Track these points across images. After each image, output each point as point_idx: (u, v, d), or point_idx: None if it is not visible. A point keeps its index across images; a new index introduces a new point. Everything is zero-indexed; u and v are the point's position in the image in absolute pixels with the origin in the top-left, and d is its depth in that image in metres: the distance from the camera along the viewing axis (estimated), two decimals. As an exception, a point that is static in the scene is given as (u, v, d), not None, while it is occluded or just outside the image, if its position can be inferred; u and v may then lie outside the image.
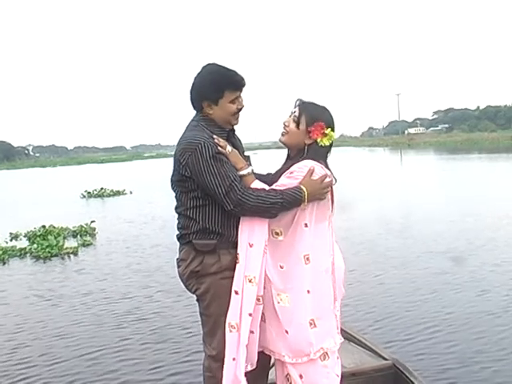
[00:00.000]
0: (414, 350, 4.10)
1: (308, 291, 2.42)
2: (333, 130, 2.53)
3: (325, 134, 2.50)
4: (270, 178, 2.58)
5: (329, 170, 2.52)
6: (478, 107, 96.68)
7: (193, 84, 2.50)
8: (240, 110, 2.51)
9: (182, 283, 2.61)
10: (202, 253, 2.49)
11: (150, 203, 15.85)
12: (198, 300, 2.58)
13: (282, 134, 2.56)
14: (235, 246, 2.47)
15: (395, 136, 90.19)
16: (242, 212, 2.39)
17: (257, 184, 2.45)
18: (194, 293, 2.57)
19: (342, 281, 2.64)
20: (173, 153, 2.53)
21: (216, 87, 2.43)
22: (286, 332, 2.43)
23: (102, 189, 20.00)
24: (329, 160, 2.57)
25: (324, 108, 2.58)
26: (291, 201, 2.37)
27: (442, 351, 4.06)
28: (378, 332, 4.52)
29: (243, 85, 2.50)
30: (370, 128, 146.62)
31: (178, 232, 2.59)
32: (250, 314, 2.40)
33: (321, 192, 2.43)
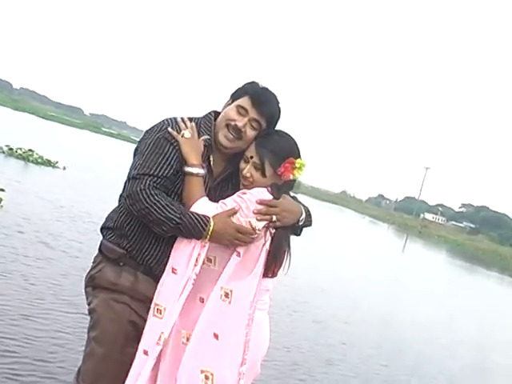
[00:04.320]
0: None
1: (216, 336, 2.44)
2: (300, 155, 2.66)
3: (297, 168, 2.61)
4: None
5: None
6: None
7: None
8: (235, 128, 2.62)
9: None
10: (106, 258, 2.63)
11: (82, 188, 15.57)
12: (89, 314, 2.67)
13: (245, 186, 2.63)
14: (147, 272, 2.59)
15: (407, 216, 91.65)
16: (131, 207, 2.50)
17: (203, 199, 2.54)
18: (88, 304, 2.67)
19: (261, 357, 2.66)
20: (137, 139, 2.67)
21: (243, 88, 2.72)
22: (175, 380, 2.43)
23: (30, 150, 19.31)
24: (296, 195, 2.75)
25: (282, 137, 2.68)
26: (189, 227, 2.46)
27: None
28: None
29: (257, 100, 2.65)
30: (380, 196, 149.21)
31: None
32: (146, 352, 2.43)
33: (230, 239, 2.49)
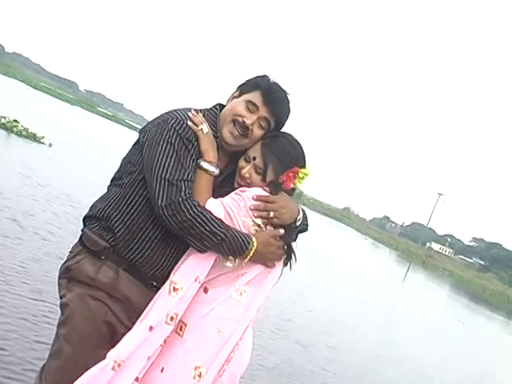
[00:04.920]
0: None
1: (219, 332, 2.48)
2: (305, 164, 2.69)
3: (299, 177, 2.65)
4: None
5: None
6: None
7: None
8: (243, 125, 2.59)
9: None
10: (86, 250, 2.57)
11: (65, 168, 15.46)
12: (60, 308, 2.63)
13: (240, 186, 2.64)
14: (130, 270, 2.55)
15: (412, 243, 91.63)
16: (170, 219, 2.40)
17: (211, 201, 2.52)
18: (60, 298, 2.62)
19: (240, 372, 2.66)
20: (133, 124, 2.53)
21: (254, 82, 2.69)
22: (162, 370, 2.46)
23: (15, 121, 19.22)
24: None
25: (290, 142, 2.68)
26: (232, 244, 2.45)
27: None
28: None
29: (270, 98, 2.63)
30: (386, 217, 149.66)
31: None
32: (151, 328, 2.43)
33: (274, 257, 2.59)
